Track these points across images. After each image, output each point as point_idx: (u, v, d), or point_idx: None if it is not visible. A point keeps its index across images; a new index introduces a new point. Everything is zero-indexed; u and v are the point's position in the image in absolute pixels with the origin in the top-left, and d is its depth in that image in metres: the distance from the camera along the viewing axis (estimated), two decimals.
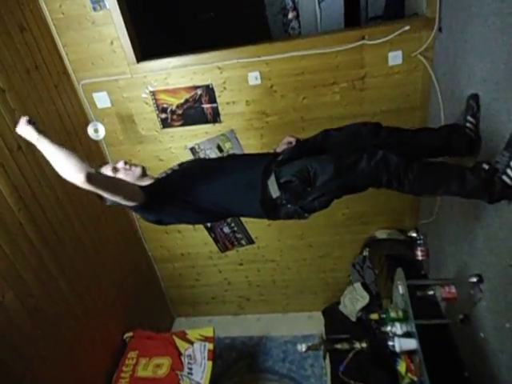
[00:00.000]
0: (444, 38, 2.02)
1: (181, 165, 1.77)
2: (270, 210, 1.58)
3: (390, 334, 1.80)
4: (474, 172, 1.41)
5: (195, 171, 1.69)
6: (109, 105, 2.53)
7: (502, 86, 1.45)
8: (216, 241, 3.10)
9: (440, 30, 2.04)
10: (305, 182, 1.49)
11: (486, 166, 1.38)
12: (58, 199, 2.26)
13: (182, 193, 1.56)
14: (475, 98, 1.63)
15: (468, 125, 1.64)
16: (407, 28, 2.12)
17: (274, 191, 1.53)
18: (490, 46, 1.52)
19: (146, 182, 1.63)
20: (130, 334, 2.76)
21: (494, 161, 1.38)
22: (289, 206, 1.54)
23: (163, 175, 1.69)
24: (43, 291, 2.06)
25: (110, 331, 2.67)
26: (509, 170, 1.33)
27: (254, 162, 1.65)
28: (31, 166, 2.07)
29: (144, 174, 1.67)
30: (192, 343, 2.64)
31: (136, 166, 1.66)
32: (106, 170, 1.61)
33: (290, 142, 1.81)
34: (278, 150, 1.79)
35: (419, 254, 2.14)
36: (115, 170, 1.62)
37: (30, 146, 2.04)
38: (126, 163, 1.64)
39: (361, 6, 3.26)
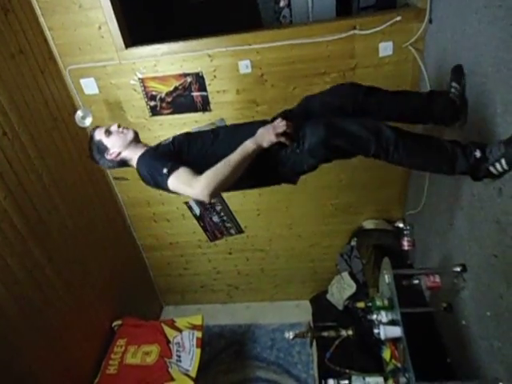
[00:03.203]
0: (434, 29, 2.03)
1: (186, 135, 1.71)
2: (268, 171, 1.58)
3: (376, 322, 1.84)
4: (465, 154, 1.40)
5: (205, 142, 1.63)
6: (96, 91, 2.49)
7: (490, 78, 1.46)
8: (205, 230, 3.11)
9: (430, 21, 2.04)
10: (296, 142, 1.49)
11: (478, 154, 1.39)
12: (45, 187, 2.23)
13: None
14: (458, 68, 1.66)
15: (452, 90, 1.64)
16: (398, 19, 2.11)
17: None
18: (479, 38, 1.53)
19: (139, 149, 1.65)
20: (118, 321, 2.76)
21: (488, 150, 1.38)
22: (279, 167, 1.54)
23: (171, 147, 1.62)
24: (29, 278, 2.04)
25: (99, 319, 2.67)
26: (497, 165, 1.35)
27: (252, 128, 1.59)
28: (17, 152, 2.03)
29: (136, 139, 1.69)
30: (181, 331, 2.66)
31: (128, 129, 1.68)
32: (100, 133, 1.66)
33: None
34: None
35: (405, 244, 2.17)
36: (108, 132, 1.66)
37: (16, 132, 2.03)
38: (119, 126, 1.67)
39: None
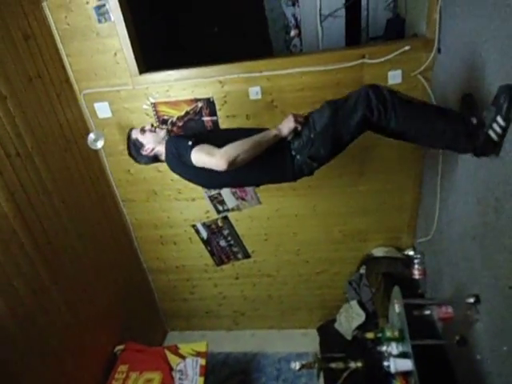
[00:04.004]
0: (443, 58, 2.05)
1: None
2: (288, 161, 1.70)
3: (386, 354, 1.78)
4: (464, 123, 1.50)
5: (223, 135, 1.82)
6: (109, 115, 2.55)
7: None
8: (212, 254, 3.08)
9: (439, 51, 2.07)
10: (308, 129, 1.65)
11: (474, 121, 1.46)
12: (55, 207, 2.24)
13: None
14: (468, 97, 1.70)
15: (495, 126, 1.55)
16: (407, 48, 2.15)
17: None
18: (488, 68, 1.54)
19: None
20: (121, 346, 2.71)
21: (483, 115, 1.44)
22: (298, 157, 1.67)
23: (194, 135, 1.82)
24: (34, 301, 2.02)
25: (101, 343, 2.62)
26: (495, 125, 1.38)
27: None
28: (29, 172, 2.06)
29: (169, 136, 1.88)
30: (184, 358, 2.59)
31: (161, 128, 1.90)
32: (136, 132, 1.88)
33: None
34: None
35: (416, 273, 2.12)
36: (143, 131, 1.86)
37: (29, 153, 2.07)
38: (152, 125, 1.89)
39: (362, 26, 3.31)
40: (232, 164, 1.56)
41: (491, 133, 1.42)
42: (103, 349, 2.64)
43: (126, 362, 2.61)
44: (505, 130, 1.39)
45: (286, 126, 1.66)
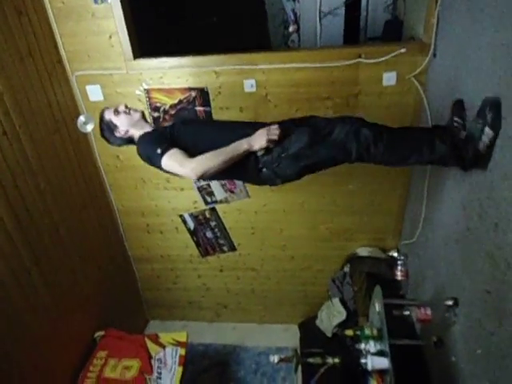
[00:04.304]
0: (438, 63, 2.06)
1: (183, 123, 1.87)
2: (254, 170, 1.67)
3: (364, 352, 1.80)
4: (444, 139, 1.49)
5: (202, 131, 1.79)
6: (101, 98, 2.51)
7: None
8: (198, 245, 3.07)
9: (434, 55, 2.08)
10: (281, 148, 1.60)
11: (462, 135, 1.47)
12: (39, 188, 2.21)
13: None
14: (459, 103, 1.68)
15: (455, 124, 1.65)
16: (403, 50, 2.15)
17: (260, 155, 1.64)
18: (481, 74, 1.55)
19: (145, 128, 1.79)
20: (101, 332, 2.69)
21: (470, 126, 1.45)
22: (264, 169, 1.65)
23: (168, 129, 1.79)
24: (13, 280, 1.99)
25: (81, 328, 2.60)
26: (483, 137, 1.39)
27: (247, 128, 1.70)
28: (15, 151, 2.02)
29: (143, 119, 1.83)
30: (164, 347, 2.59)
31: (136, 110, 1.82)
32: (109, 113, 1.80)
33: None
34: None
35: (399, 274, 2.15)
36: (117, 112, 1.79)
37: (16, 132, 2.03)
38: (126, 107, 1.80)
39: (360, 25, 3.32)
40: (201, 177, 1.56)
41: (480, 145, 1.42)
42: (82, 334, 2.62)
43: (105, 348, 2.59)
44: (493, 140, 1.40)
45: (258, 142, 1.59)
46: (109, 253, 2.94)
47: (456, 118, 1.67)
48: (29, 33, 2.14)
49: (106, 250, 2.89)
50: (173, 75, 2.41)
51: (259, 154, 1.62)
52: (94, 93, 2.49)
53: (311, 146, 1.57)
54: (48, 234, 2.27)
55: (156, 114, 2.53)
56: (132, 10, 2.31)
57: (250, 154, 1.62)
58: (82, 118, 2.40)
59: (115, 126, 1.80)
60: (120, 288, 3.10)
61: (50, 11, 2.27)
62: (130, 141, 1.84)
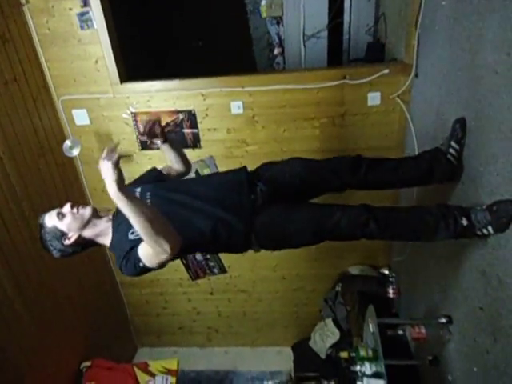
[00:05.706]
0: (420, 83, 2.12)
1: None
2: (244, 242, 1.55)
3: (359, 374, 1.76)
4: (448, 225, 1.42)
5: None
6: (87, 122, 2.49)
7: (473, 133, 1.51)
8: (187, 268, 3.02)
9: (416, 75, 2.14)
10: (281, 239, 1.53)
11: (464, 223, 1.39)
12: (24, 215, 2.15)
13: None
14: (461, 122, 1.57)
15: (451, 151, 1.61)
16: (386, 71, 2.21)
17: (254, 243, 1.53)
18: (461, 94, 1.59)
19: (102, 224, 1.47)
20: (87, 363, 2.58)
21: (473, 216, 1.39)
22: (257, 247, 1.55)
23: None
24: None
25: (66, 359, 2.50)
26: (484, 230, 1.37)
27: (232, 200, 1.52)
28: None
29: (95, 215, 1.46)
30: (154, 376, 2.50)
31: (84, 207, 1.45)
32: (51, 218, 1.42)
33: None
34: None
35: (391, 292, 2.13)
36: (61, 215, 1.41)
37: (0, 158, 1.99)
38: (72, 207, 1.43)
39: (343, 47, 3.40)
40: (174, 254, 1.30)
41: (479, 232, 1.40)
42: (68, 365, 2.51)
43: (91, 380, 2.49)
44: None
45: (108, 175, 1.12)
46: (96, 279, 2.86)
47: (453, 144, 1.60)
48: (14, 58, 2.13)
49: (92, 275, 2.82)
50: (160, 98, 2.41)
51: (255, 249, 1.57)
52: (81, 117, 2.48)
53: (315, 236, 1.52)
54: (32, 262, 2.20)
55: (143, 138, 2.51)
56: (118, 34, 2.34)
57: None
58: (67, 143, 2.39)
59: (62, 233, 1.42)
60: (107, 315, 3.01)
61: (35, 38, 2.27)
62: (86, 245, 1.50)
